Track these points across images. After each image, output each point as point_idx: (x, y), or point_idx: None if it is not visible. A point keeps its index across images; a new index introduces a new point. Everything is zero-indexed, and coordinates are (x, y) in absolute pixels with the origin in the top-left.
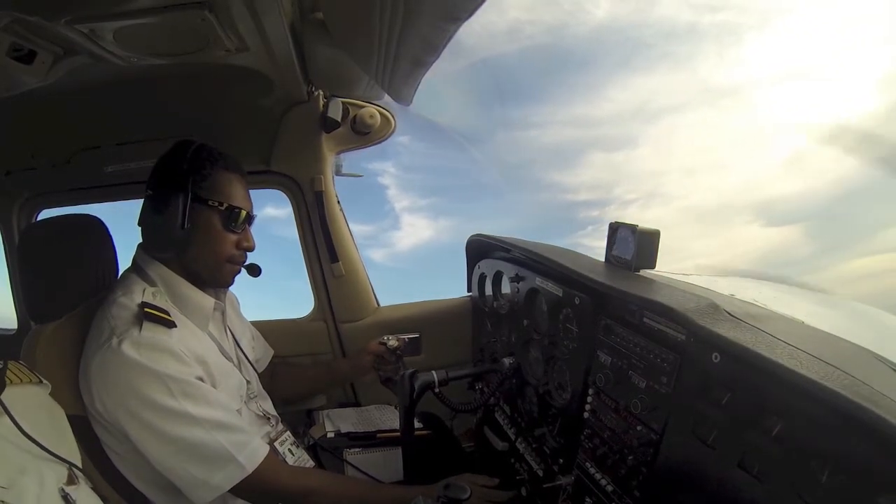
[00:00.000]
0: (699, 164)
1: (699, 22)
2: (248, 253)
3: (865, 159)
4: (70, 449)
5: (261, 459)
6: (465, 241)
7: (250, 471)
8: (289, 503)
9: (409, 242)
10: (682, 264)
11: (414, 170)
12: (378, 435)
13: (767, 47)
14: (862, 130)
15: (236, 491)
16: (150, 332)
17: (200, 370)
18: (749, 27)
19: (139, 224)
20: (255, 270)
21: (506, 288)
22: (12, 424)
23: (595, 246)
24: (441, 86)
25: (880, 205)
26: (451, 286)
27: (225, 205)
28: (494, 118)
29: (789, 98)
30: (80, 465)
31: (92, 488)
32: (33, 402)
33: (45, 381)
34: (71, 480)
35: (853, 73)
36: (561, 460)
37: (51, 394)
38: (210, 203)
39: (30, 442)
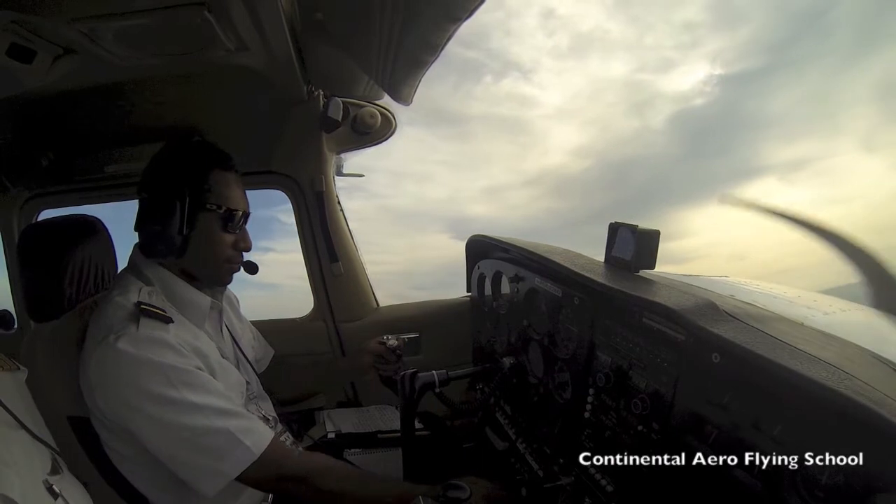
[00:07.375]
0: (407, 172)
1: (448, 50)
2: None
3: (552, 206)
4: (48, 436)
5: (268, 442)
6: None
7: (258, 454)
8: (297, 485)
9: None
10: (373, 257)
11: None
12: (378, 435)
13: (499, 92)
14: (552, 183)
15: (245, 478)
16: (147, 328)
17: (199, 362)
18: (490, 70)
19: (136, 229)
20: (252, 268)
21: (505, 288)
22: None
23: (289, 222)
24: None
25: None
26: None
27: (224, 208)
28: None
29: (501, 139)
30: (59, 451)
31: (77, 476)
32: (11, 389)
33: (22, 368)
34: (55, 470)
35: (556, 136)
36: (561, 460)
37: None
38: (209, 206)
39: (9, 433)
